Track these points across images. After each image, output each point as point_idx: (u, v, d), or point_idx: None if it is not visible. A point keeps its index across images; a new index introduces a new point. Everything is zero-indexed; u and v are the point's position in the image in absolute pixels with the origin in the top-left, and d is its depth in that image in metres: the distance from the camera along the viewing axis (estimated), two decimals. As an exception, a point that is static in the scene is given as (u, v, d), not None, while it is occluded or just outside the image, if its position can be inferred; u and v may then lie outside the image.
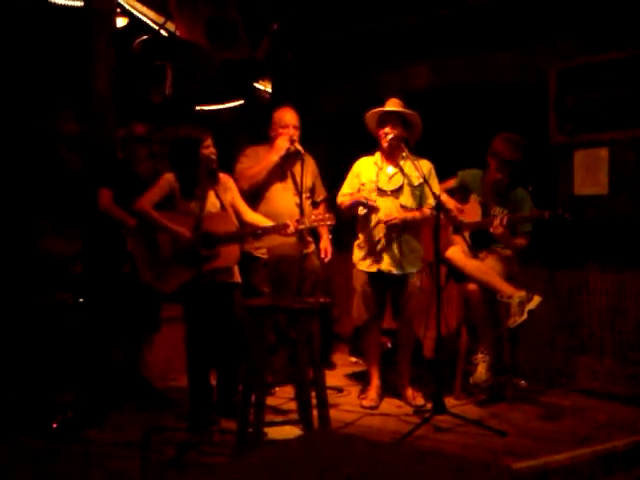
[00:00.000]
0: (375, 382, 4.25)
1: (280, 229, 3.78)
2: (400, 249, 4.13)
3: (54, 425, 3.55)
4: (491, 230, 4.08)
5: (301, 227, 3.73)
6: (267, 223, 3.90)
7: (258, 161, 4.32)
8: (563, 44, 4.80)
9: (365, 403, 4.14)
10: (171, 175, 3.83)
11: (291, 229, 3.71)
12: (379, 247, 4.14)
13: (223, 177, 3.97)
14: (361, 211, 4.20)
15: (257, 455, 2.21)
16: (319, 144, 5.25)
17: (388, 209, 4.14)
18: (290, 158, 4.32)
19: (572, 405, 4.14)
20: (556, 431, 3.61)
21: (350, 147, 4.46)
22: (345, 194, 4.29)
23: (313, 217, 3.72)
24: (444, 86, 5.36)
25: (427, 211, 4.17)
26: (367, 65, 5.66)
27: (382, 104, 4.19)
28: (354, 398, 4.33)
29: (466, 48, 5.20)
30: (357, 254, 4.26)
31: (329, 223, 3.71)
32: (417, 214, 4.17)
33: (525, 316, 3.88)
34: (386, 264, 4.13)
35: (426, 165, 4.18)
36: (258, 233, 3.96)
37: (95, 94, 4.54)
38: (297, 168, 4.31)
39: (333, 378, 4.75)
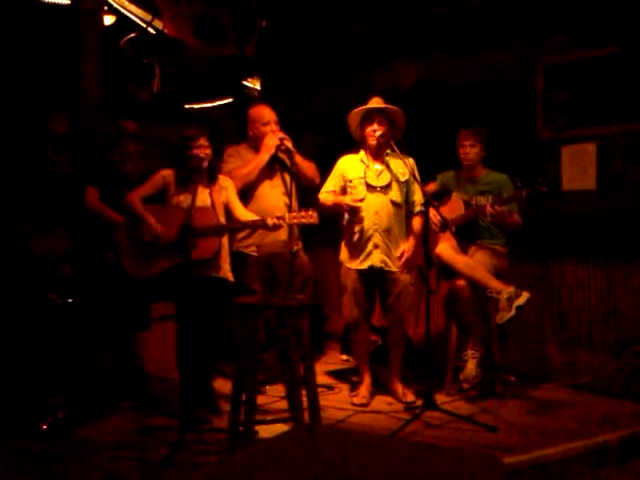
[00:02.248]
0: (366, 380, 4.26)
1: (259, 224, 3.76)
2: (388, 246, 4.14)
3: (44, 426, 3.53)
4: (488, 216, 4.09)
5: (280, 223, 3.67)
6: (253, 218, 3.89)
7: (243, 161, 4.30)
8: (550, 40, 4.81)
9: (356, 400, 4.14)
10: (167, 172, 3.91)
11: (269, 224, 3.65)
12: (368, 245, 4.14)
13: (222, 178, 4.01)
14: (345, 219, 4.19)
15: (248, 453, 2.21)
16: (308, 141, 5.25)
17: (378, 205, 4.14)
18: (278, 155, 4.32)
19: (562, 400, 4.15)
20: (547, 426, 3.62)
21: (339, 145, 4.45)
22: (328, 191, 4.27)
23: (295, 214, 3.65)
24: (433, 83, 5.36)
25: (417, 225, 4.19)
26: (357, 63, 5.65)
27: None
28: (345, 396, 4.33)
29: (455, 46, 5.19)
30: (345, 252, 4.25)
31: (311, 221, 3.60)
32: (414, 236, 4.18)
33: (513, 312, 3.89)
34: (376, 260, 4.13)
35: (409, 162, 4.19)
36: (237, 227, 3.96)
37: (84, 93, 4.53)
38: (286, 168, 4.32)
39: (324, 376, 4.75)
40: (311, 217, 3.59)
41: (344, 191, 4.25)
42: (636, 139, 4.48)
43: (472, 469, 1.89)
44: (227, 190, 3.98)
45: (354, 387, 4.35)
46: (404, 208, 4.23)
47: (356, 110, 4.18)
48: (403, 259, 4.11)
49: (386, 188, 4.18)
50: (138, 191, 3.88)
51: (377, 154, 4.23)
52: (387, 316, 4.28)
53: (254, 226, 3.87)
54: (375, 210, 4.13)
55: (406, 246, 4.14)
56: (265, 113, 4.33)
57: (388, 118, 4.15)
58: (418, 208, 4.17)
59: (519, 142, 4.84)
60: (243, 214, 3.93)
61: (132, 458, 3.17)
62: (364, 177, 4.18)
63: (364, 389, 4.21)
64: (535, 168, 4.82)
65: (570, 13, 4.66)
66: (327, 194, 4.27)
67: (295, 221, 3.64)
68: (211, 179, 3.93)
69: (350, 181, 4.21)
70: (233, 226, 3.95)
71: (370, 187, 4.17)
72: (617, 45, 4.50)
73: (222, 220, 3.88)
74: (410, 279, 4.21)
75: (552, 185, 4.58)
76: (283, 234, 4.17)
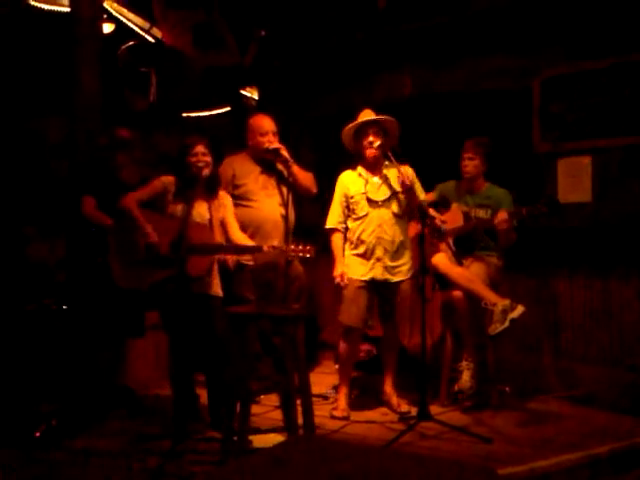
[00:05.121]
0: (345, 391, 4.21)
1: (253, 250, 3.69)
2: (391, 258, 4.14)
3: (37, 434, 3.51)
4: (495, 223, 4.08)
5: (276, 253, 3.61)
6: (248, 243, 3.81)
7: (231, 175, 4.27)
8: (547, 53, 4.84)
9: (337, 413, 4.08)
10: (168, 178, 3.78)
11: (264, 252, 3.57)
12: (371, 259, 4.13)
13: (222, 194, 3.90)
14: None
15: (241, 463, 2.20)
16: (306, 151, 5.27)
17: (381, 219, 4.15)
18: (275, 165, 4.31)
19: (557, 412, 4.15)
20: (541, 437, 3.62)
21: (337, 155, 4.46)
22: (333, 224, 4.23)
23: (293, 247, 3.55)
24: (429, 94, 5.38)
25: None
26: (355, 73, 5.67)
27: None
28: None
29: (452, 57, 5.23)
30: (348, 261, 4.21)
31: (307, 256, 3.54)
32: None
33: (507, 324, 3.88)
34: (378, 273, 4.13)
35: (408, 171, 4.19)
36: (231, 250, 3.82)
37: (82, 100, 4.53)
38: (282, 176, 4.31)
39: (318, 386, 4.73)
40: (308, 252, 3.52)
41: (348, 209, 4.23)
42: (631, 152, 4.50)
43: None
44: (225, 208, 3.86)
45: (333, 399, 4.29)
46: (405, 216, 4.24)
47: (349, 126, 4.17)
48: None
49: (388, 201, 4.18)
50: (136, 194, 3.73)
51: (375, 167, 4.22)
52: (383, 324, 4.27)
53: (247, 251, 3.78)
54: (378, 224, 4.14)
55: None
56: (265, 123, 4.31)
57: (382, 128, 4.16)
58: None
59: (516, 154, 4.86)
60: (238, 237, 3.81)
61: (126, 467, 3.15)
62: (365, 192, 4.17)
63: (343, 402, 4.16)
64: (532, 180, 4.84)
65: (567, 26, 4.69)
66: (334, 225, 4.23)
67: (292, 254, 3.56)
68: (211, 193, 3.79)
69: (352, 197, 4.20)
70: (227, 248, 3.81)
71: (372, 202, 4.16)
72: (614, 58, 4.53)
73: (219, 239, 3.76)
74: (410, 289, 4.20)
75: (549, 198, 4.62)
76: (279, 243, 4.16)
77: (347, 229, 4.26)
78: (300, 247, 3.52)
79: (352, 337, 4.22)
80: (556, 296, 4.72)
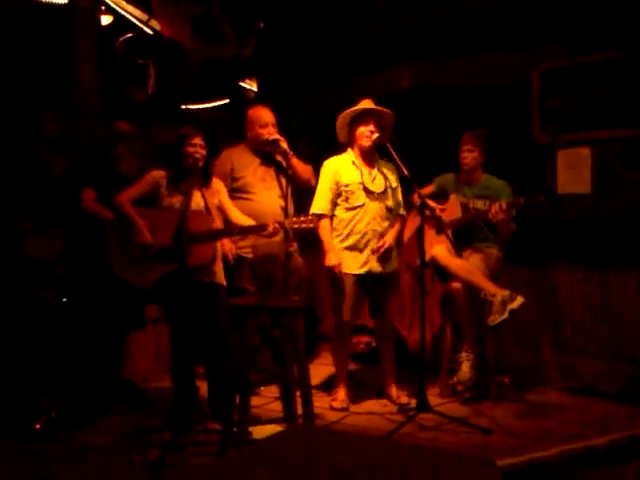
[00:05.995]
0: (343, 382, 4.21)
1: (258, 230, 3.69)
2: (384, 251, 4.15)
3: (37, 426, 3.52)
4: (490, 217, 4.06)
5: (279, 229, 3.63)
6: (249, 223, 3.86)
7: (230, 168, 4.27)
8: (546, 46, 4.83)
9: (336, 405, 4.09)
10: (158, 172, 3.80)
11: (269, 230, 3.60)
12: (365, 251, 4.13)
13: (215, 181, 3.92)
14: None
15: (241, 453, 2.21)
16: (304, 144, 5.26)
17: (376, 211, 4.15)
18: (274, 157, 4.31)
19: (556, 403, 4.16)
20: (540, 429, 3.62)
21: (335, 148, 4.45)
22: (322, 209, 4.17)
23: (294, 219, 3.62)
24: (429, 88, 5.37)
25: (398, 221, 4.29)
26: (354, 66, 5.66)
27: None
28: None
29: (451, 51, 5.21)
30: (340, 256, 4.16)
31: (311, 226, 3.59)
32: (396, 228, 4.25)
33: (506, 315, 3.88)
34: (374, 265, 4.13)
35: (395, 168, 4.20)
36: (234, 232, 3.88)
37: (80, 93, 4.52)
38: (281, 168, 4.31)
39: (318, 377, 4.74)
40: (311, 222, 3.57)
41: (339, 196, 4.19)
42: (630, 143, 4.50)
43: (469, 472, 1.90)
44: (220, 193, 3.89)
45: (331, 391, 4.29)
46: (394, 212, 4.27)
47: (348, 111, 4.14)
48: (382, 249, 4.13)
49: (383, 194, 4.18)
50: (127, 192, 3.74)
51: (369, 157, 4.21)
52: (374, 317, 4.28)
53: (252, 231, 3.80)
54: (373, 216, 4.14)
55: (387, 238, 4.16)
56: (264, 115, 4.30)
57: (380, 121, 4.14)
58: (400, 211, 4.29)
59: (516, 146, 4.86)
60: (239, 218, 3.85)
61: (127, 459, 3.16)
62: (362, 182, 4.15)
63: (342, 393, 4.16)
64: (532, 172, 4.84)
65: (566, 19, 4.68)
66: (325, 220, 4.17)
67: (295, 226, 3.59)
68: (205, 181, 3.82)
69: (346, 185, 4.16)
70: (230, 231, 3.87)
71: (368, 192, 4.14)
72: (613, 51, 4.52)
73: (218, 224, 3.79)
74: (399, 278, 4.24)
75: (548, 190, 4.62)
76: (278, 235, 4.16)
77: (333, 217, 4.22)
78: (302, 218, 3.58)
79: (344, 330, 4.21)
80: (556, 287, 4.72)
